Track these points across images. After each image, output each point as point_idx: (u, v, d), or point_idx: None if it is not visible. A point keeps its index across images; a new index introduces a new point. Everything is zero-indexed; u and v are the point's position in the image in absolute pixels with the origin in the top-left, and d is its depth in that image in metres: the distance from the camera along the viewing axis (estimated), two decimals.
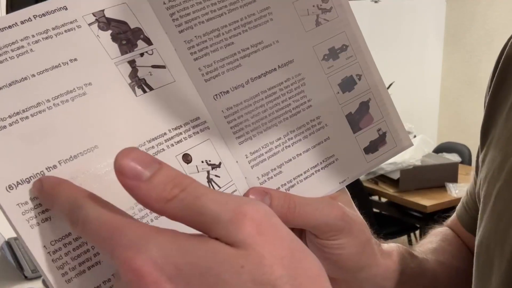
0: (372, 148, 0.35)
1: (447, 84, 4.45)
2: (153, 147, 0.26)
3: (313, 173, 0.32)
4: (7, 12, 0.38)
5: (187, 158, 0.27)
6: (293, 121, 0.32)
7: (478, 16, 4.04)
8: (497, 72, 0.44)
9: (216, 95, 0.29)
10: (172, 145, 0.27)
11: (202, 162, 0.28)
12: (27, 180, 0.23)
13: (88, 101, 0.25)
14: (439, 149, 3.22)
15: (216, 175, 0.28)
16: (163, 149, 0.27)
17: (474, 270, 0.40)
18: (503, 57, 0.44)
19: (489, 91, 0.45)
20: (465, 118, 4.22)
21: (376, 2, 3.72)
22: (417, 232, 2.71)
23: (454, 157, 2.89)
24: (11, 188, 0.23)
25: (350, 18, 0.34)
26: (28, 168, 0.23)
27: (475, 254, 0.40)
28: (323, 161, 0.33)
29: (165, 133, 0.27)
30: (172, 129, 0.27)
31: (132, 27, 0.27)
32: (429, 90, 4.61)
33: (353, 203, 0.36)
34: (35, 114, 0.24)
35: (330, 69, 0.33)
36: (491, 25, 3.95)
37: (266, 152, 0.31)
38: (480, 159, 0.45)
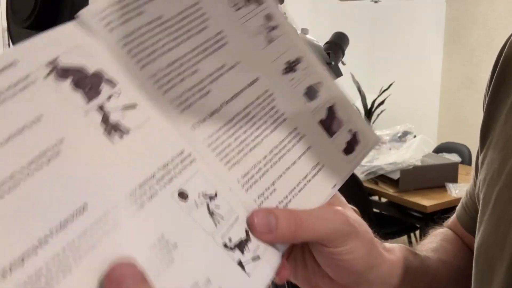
0: (349, 148, 0.36)
1: (447, 84, 4.45)
2: (145, 191, 0.25)
3: (305, 184, 0.33)
4: (7, 13, 0.38)
5: (183, 196, 0.27)
6: (274, 136, 0.32)
7: (478, 16, 4.04)
8: (495, 73, 0.44)
9: (194, 124, 0.29)
10: (164, 185, 0.26)
11: (199, 196, 0.27)
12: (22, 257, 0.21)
13: (65, 159, 0.23)
14: (439, 149, 3.22)
15: (216, 206, 0.28)
16: (157, 192, 0.25)
17: (473, 273, 0.40)
18: (501, 58, 0.44)
19: (488, 93, 0.45)
20: (465, 118, 4.22)
21: (376, 2, 3.72)
22: (417, 232, 2.71)
23: (454, 157, 2.89)
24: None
25: (294, 33, 0.35)
26: (23, 241, 0.21)
27: (474, 256, 0.40)
28: (311, 170, 0.33)
29: (154, 175, 0.26)
30: (160, 168, 0.26)
31: (91, 71, 0.26)
32: (429, 90, 4.61)
33: (347, 204, 0.36)
34: (11, 188, 0.21)
35: (292, 81, 0.34)
36: (491, 25, 3.95)
37: (256, 173, 0.31)
38: (479, 161, 0.45)
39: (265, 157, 0.31)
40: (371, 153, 2.60)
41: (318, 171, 0.33)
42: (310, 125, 0.34)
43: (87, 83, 0.25)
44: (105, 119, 0.25)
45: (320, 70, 0.36)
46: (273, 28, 0.34)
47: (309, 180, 0.33)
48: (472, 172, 0.49)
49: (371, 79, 5.10)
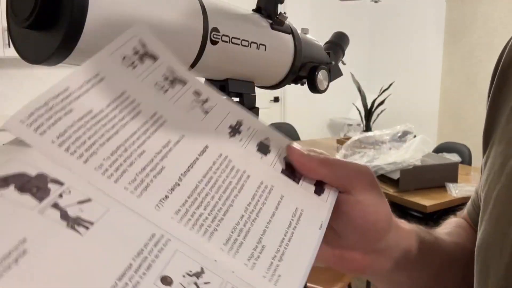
0: (319, 190, 0.36)
1: (447, 84, 4.45)
2: (126, 284, 0.23)
3: (292, 232, 0.32)
4: (7, 13, 0.38)
5: (167, 281, 0.25)
6: (245, 194, 0.32)
7: (478, 16, 4.04)
8: (496, 77, 0.45)
9: (157, 204, 0.28)
10: (144, 273, 0.24)
11: (184, 276, 0.25)
12: None
13: (34, 256, 0.22)
14: (439, 149, 3.22)
15: (205, 283, 0.26)
16: (138, 282, 0.24)
17: (475, 272, 0.40)
18: (501, 62, 0.44)
19: (489, 96, 0.45)
20: (465, 118, 4.22)
21: (376, 2, 3.72)
22: None
23: (454, 157, 2.89)
24: None
25: (227, 101, 0.36)
26: None
27: (475, 256, 0.40)
28: (292, 217, 0.33)
29: (130, 264, 0.24)
30: (135, 256, 0.25)
31: (33, 174, 0.24)
32: (429, 90, 4.62)
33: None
34: None
35: (241, 142, 0.35)
36: (491, 25, 3.95)
37: (238, 235, 0.29)
38: (483, 162, 0.45)
39: (242, 216, 0.30)
40: (371, 153, 2.60)
41: (300, 216, 0.33)
42: (275, 177, 0.34)
43: (33, 185, 0.24)
44: (64, 215, 0.24)
45: (263, 127, 0.37)
46: (205, 100, 0.35)
47: (295, 227, 0.32)
48: (473, 172, 0.50)
49: (371, 79, 5.10)
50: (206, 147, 0.32)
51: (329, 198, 0.36)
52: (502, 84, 0.44)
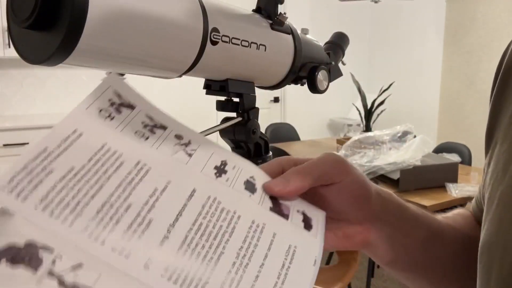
0: (308, 225, 0.36)
1: (447, 84, 4.45)
2: None
3: (286, 273, 0.31)
4: (7, 13, 0.38)
5: None
6: (236, 238, 0.31)
7: (478, 16, 4.04)
8: (498, 79, 0.45)
9: (147, 262, 0.27)
10: None
11: None
12: None
13: None
14: (439, 149, 3.22)
15: None
16: None
17: (478, 271, 0.40)
18: (504, 61, 0.44)
19: (491, 98, 0.45)
20: (465, 118, 4.22)
21: (376, 2, 3.72)
22: None
23: (454, 157, 2.89)
24: None
25: (209, 142, 0.36)
26: None
27: (478, 255, 0.40)
28: (286, 255, 0.32)
29: None
30: None
31: (22, 244, 0.24)
32: (429, 90, 4.62)
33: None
34: None
35: (228, 181, 0.34)
36: (491, 25, 3.95)
37: (230, 286, 0.29)
38: (486, 162, 0.46)
39: (234, 263, 0.30)
40: (371, 153, 2.60)
41: (293, 254, 0.33)
42: (264, 214, 0.34)
43: (24, 255, 0.24)
44: (62, 283, 0.24)
45: (247, 165, 0.37)
46: (188, 143, 0.34)
47: (288, 267, 0.32)
48: (473, 172, 0.50)
49: (371, 79, 5.10)
50: (194, 190, 0.32)
51: (318, 233, 0.36)
52: (505, 84, 0.44)
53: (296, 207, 0.37)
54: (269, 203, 0.35)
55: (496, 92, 0.45)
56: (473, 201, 0.54)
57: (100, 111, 0.32)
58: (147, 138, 0.33)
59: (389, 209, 0.43)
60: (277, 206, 0.36)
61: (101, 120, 0.31)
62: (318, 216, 0.38)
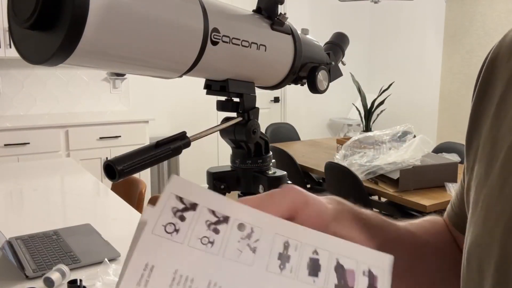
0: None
1: (447, 84, 4.45)
2: None
3: None
4: (8, 13, 0.38)
5: None
6: None
7: (478, 16, 4.04)
8: (479, 80, 0.46)
9: None
10: None
11: None
12: None
13: None
14: (438, 149, 3.22)
15: None
16: None
17: (462, 273, 0.41)
18: (485, 65, 0.45)
19: (473, 100, 0.46)
20: (465, 118, 4.19)
21: (375, 2, 3.72)
22: None
23: (453, 157, 2.89)
24: None
25: (268, 223, 0.34)
26: None
27: (465, 258, 0.41)
28: None
29: None
30: None
31: None
32: (429, 90, 4.62)
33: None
34: None
35: (292, 272, 0.32)
36: (490, 25, 3.96)
37: None
38: (465, 166, 0.47)
39: None
40: (370, 153, 2.60)
41: None
42: None
43: None
44: None
45: (308, 233, 0.34)
46: (251, 232, 0.33)
47: None
48: (462, 175, 0.50)
49: (371, 79, 5.10)
50: None
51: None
52: (487, 86, 0.45)
53: (361, 266, 0.34)
54: (334, 279, 0.33)
55: (476, 96, 0.46)
56: (448, 205, 0.55)
57: (165, 227, 0.31)
58: (212, 244, 0.32)
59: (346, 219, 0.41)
60: (342, 278, 0.33)
61: (168, 242, 0.31)
62: (383, 266, 0.35)
